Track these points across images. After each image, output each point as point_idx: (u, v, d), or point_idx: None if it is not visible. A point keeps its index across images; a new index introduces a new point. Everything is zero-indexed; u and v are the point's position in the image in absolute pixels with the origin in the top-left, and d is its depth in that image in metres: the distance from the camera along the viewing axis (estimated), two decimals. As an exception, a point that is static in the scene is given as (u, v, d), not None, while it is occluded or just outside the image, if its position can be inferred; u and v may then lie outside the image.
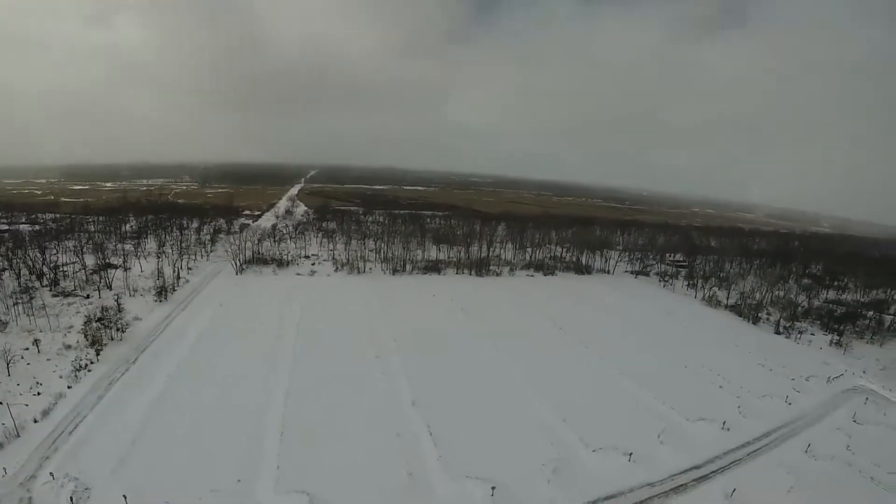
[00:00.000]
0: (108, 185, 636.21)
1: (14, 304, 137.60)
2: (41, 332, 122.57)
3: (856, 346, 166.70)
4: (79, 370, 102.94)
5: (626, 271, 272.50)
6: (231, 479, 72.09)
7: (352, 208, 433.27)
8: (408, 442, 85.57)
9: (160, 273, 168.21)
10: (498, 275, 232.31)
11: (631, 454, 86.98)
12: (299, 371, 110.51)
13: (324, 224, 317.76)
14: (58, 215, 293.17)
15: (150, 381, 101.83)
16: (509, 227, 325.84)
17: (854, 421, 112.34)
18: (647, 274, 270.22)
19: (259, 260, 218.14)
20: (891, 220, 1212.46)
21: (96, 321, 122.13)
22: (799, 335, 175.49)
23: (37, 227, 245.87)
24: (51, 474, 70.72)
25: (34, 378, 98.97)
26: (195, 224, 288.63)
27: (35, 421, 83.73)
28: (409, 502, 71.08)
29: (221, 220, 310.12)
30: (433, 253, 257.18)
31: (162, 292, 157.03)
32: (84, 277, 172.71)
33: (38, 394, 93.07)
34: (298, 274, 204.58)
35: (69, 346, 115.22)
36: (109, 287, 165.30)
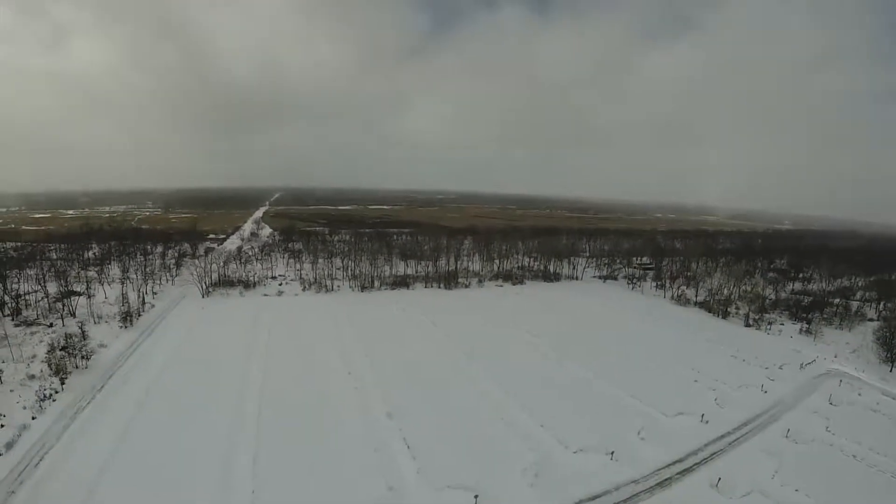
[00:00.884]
0: (70, 212, 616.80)
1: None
2: (3, 362, 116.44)
3: (825, 333, 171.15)
4: (43, 400, 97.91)
5: (595, 276, 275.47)
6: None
7: (317, 229, 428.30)
8: (385, 456, 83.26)
9: (125, 299, 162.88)
10: (467, 286, 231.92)
11: (612, 453, 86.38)
12: (270, 392, 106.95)
13: (290, 245, 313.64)
14: (18, 244, 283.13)
15: (118, 408, 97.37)
16: (475, 239, 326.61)
17: (830, 403, 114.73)
18: (615, 278, 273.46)
19: (225, 282, 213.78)
20: (844, 215, 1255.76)
21: (60, 349, 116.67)
22: (769, 326, 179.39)
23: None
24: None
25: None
26: (159, 249, 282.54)
27: (-1, 454, 79.41)
28: (390, 517, 69.20)
29: (186, 245, 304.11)
30: (401, 268, 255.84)
31: (127, 318, 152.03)
32: (47, 306, 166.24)
33: (1, 426, 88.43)
34: (266, 295, 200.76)
35: (33, 376, 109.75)
36: (73, 314, 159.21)
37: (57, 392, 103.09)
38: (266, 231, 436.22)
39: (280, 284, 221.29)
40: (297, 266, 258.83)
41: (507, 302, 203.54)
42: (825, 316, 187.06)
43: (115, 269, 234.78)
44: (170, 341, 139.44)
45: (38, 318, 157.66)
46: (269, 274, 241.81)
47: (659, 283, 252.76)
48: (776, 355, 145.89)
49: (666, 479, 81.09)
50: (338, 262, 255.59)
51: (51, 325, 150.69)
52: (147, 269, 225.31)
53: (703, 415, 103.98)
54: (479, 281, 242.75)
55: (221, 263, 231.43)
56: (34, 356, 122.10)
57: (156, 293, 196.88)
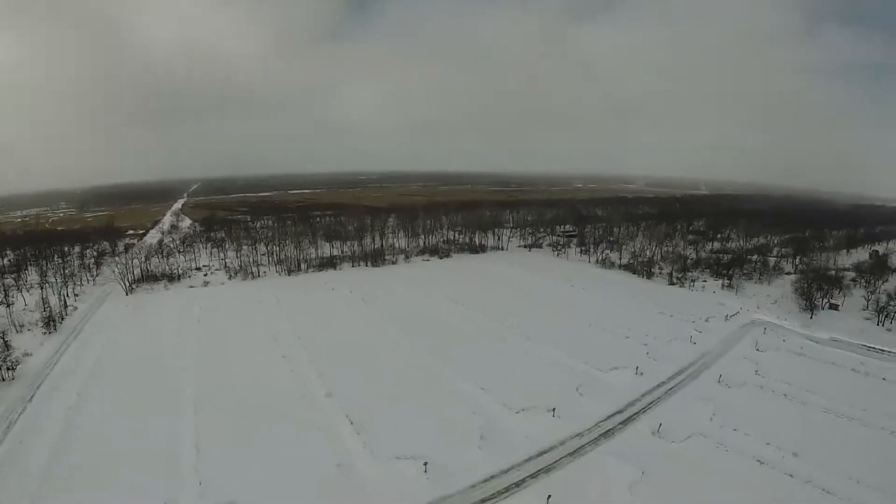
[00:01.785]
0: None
1: None
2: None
3: (746, 287, 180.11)
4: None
5: (520, 246, 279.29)
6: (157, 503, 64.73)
7: (239, 217, 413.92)
8: (330, 434, 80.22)
9: (45, 304, 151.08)
10: (394, 263, 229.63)
11: (554, 409, 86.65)
12: (206, 382, 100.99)
13: (212, 234, 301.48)
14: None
15: (51, 416, 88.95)
16: (399, 217, 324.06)
17: (757, 349, 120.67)
18: (539, 246, 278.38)
19: (149, 277, 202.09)
20: (758, 180, 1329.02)
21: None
22: (692, 284, 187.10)
23: None
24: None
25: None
26: (77, 249, 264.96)
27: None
28: (343, 492, 66.59)
29: (105, 243, 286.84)
30: (326, 250, 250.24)
31: (50, 323, 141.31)
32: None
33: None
34: (192, 286, 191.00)
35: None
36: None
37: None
38: (186, 222, 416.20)
39: (205, 275, 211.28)
40: (222, 255, 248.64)
41: (434, 275, 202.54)
42: (745, 271, 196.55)
43: (32, 275, 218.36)
44: (97, 342, 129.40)
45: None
46: (194, 265, 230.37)
47: (583, 248, 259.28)
48: (701, 309, 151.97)
49: (608, 430, 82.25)
50: (262, 248, 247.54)
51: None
52: (66, 272, 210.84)
53: (637, 367, 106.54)
54: (406, 257, 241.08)
55: (143, 259, 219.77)
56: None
57: (77, 295, 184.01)
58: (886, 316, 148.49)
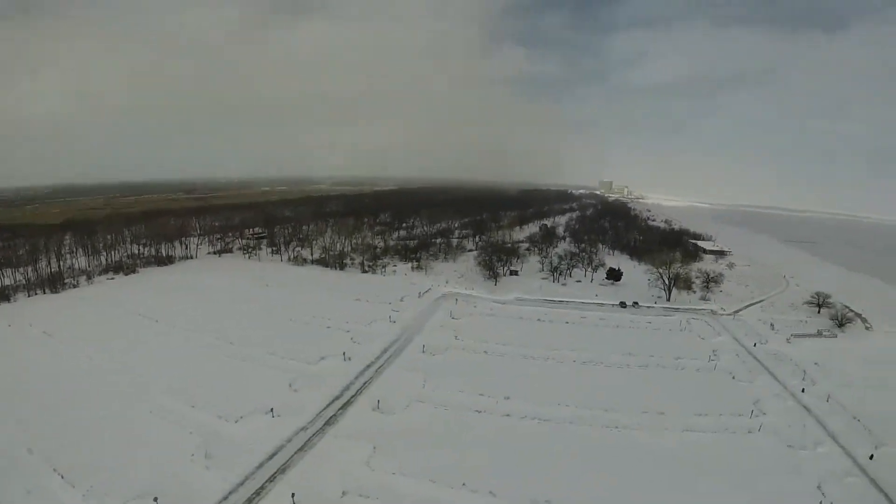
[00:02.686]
0: None
1: None
2: None
3: (435, 266, 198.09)
4: None
5: (210, 252, 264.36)
6: None
7: None
8: (37, 492, 66.13)
9: None
10: (76, 286, 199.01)
11: (272, 410, 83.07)
12: None
13: None
14: None
15: None
16: (76, 234, 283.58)
17: (452, 318, 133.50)
18: (230, 251, 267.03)
19: None
20: (441, 175, 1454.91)
21: None
22: (384, 269, 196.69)
23: None
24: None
25: None
26: None
27: None
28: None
29: None
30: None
31: None
32: None
33: None
34: None
35: None
36: None
37: None
38: None
39: None
40: None
41: (122, 293, 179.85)
42: (431, 253, 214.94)
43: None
44: None
45: None
46: None
47: (274, 248, 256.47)
48: (395, 291, 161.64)
49: (331, 417, 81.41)
50: None
51: None
52: None
53: (344, 353, 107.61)
54: (88, 277, 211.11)
55: None
56: None
57: None
58: (560, 273, 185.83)
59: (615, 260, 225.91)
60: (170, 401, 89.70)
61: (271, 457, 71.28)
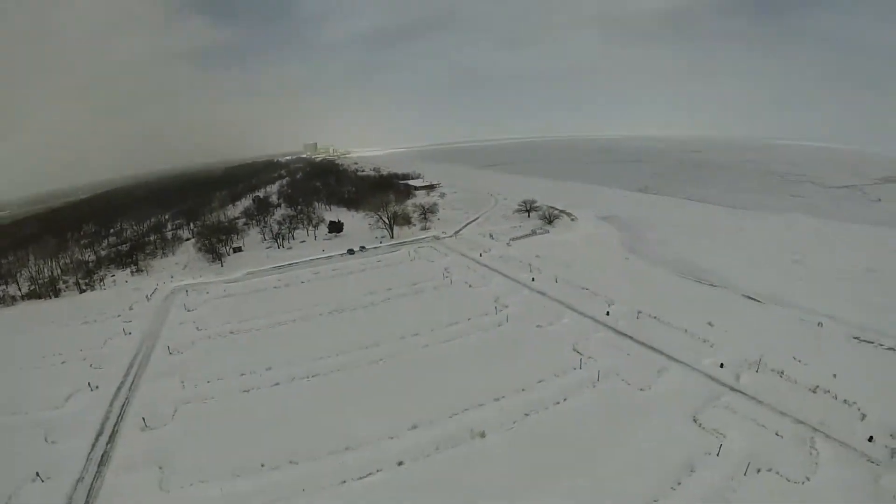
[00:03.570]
0: None
1: None
2: None
3: (155, 265, 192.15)
4: None
5: None
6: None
7: None
8: None
9: None
10: None
11: (38, 474, 72.55)
12: None
13: None
14: None
15: None
16: None
17: (188, 310, 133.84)
18: None
19: None
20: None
21: None
22: (102, 283, 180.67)
23: None
24: None
25: None
26: None
27: None
28: None
29: None
30: None
31: None
32: None
33: None
34: None
35: None
36: None
37: None
38: None
39: None
40: None
41: None
42: (148, 252, 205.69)
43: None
44: None
45: None
46: None
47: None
48: (121, 301, 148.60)
49: (103, 455, 76.88)
50: None
51: None
52: None
53: (89, 383, 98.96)
54: None
55: None
56: None
57: None
58: (283, 238, 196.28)
59: (334, 214, 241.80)
60: None
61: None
